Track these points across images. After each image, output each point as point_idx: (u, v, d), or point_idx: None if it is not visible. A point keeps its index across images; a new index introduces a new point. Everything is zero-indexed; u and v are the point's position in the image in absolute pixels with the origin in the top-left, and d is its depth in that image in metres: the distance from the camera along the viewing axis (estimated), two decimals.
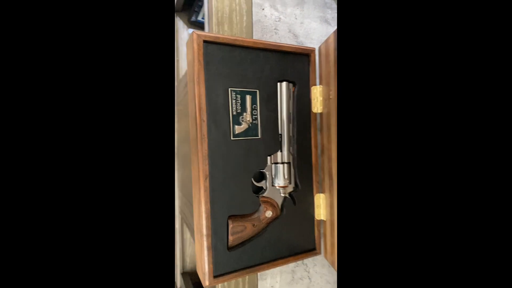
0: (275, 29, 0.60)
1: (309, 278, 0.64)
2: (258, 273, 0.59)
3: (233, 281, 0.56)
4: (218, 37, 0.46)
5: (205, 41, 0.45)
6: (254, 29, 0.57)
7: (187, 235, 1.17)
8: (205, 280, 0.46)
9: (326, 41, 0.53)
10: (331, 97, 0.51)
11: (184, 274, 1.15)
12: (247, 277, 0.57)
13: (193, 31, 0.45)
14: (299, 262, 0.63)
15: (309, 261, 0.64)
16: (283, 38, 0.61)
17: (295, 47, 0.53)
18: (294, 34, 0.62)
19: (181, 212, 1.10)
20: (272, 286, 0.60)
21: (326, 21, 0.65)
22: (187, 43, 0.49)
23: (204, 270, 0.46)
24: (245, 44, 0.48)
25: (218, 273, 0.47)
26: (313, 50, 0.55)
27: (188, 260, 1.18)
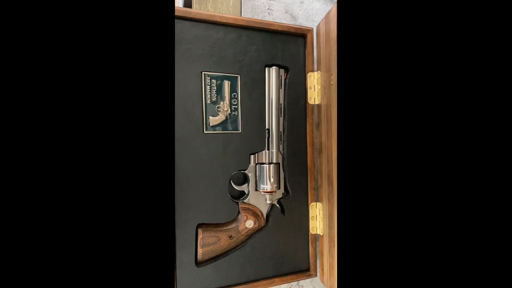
0: (268, 9, 0.52)
1: None
2: None
3: None
4: (190, 12, 0.39)
5: (175, 17, 0.39)
6: (243, 9, 0.50)
7: None
8: None
9: (326, 16, 0.44)
10: (332, 83, 0.42)
11: None
12: None
13: None
14: (293, 283, 0.53)
15: (307, 283, 0.54)
16: (279, 20, 0.52)
17: (287, 26, 0.45)
18: (291, 16, 0.53)
19: None
20: None
21: (331, 0, 0.55)
22: None
23: None
24: (224, 21, 0.41)
25: None
26: (310, 30, 0.46)
27: None
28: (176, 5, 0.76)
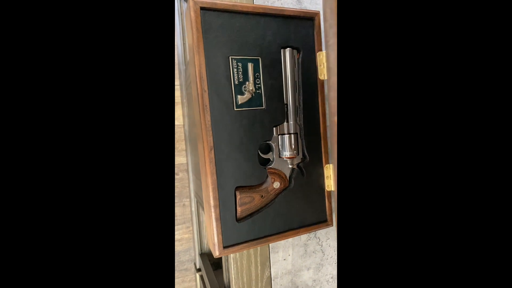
0: None
1: (322, 252, 0.63)
2: (270, 246, 0.59)
3: (245, 254, 0.56)
4: (216, 3, 0.45)
5: (202, 8, 0.44)
6: None
7: (204, 217, 1.20)
8: (215, 250, 0.46)
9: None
10: None
11: (202, 255, 1.18)
12: (258, 249, 0.57)
13: None
14: (312, 235, 0.62)
15: (322, 234, 0.63)
16: (286, 4, 0.58)
17: (298, 11, 0.51)
18: (297, 0, 0.59)
19: (196, 195, 1.12)
20: (284, 259, 0.60)
21: None
22: (185, 13, 0.48)
23: (214, 241, 0.46)
24: (245, 9, 0.46)
25: (227, 244, 0.47)
26: (317, 14, 0.52)
27: (205, 241, 1.21)
28: None
